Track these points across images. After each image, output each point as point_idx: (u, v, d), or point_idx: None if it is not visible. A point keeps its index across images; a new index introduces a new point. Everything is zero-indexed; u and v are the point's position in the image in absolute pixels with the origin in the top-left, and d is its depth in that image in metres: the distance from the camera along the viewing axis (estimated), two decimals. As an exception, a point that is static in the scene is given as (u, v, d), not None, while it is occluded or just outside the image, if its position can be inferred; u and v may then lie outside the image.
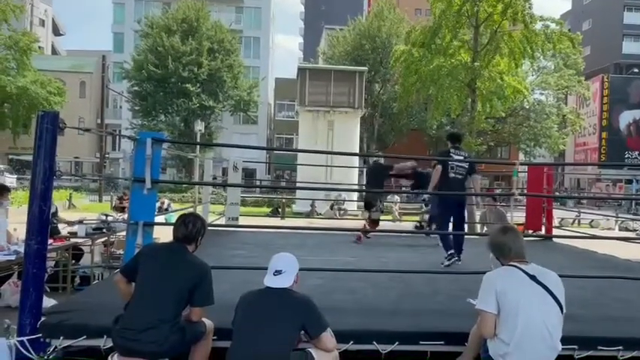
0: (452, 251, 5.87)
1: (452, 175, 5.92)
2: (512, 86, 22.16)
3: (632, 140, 42.23)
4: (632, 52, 47.04)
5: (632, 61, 45.96)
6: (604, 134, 42.66)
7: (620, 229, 17.63)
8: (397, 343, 3.29)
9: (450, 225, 6.22)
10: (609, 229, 17.97)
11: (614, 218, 17.61)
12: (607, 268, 6.25)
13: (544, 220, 8.76)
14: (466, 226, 8.48)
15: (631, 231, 15.85)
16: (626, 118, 42.65)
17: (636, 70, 44.06)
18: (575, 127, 37.76)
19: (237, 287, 3.72)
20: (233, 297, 3.07)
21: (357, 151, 25.47)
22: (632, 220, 16.31)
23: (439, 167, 5.97)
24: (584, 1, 52.50)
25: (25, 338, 3.16)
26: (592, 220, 18.87)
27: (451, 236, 6.08)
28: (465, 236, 6.52)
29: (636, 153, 41.87)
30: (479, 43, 22.59)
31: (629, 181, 38.48)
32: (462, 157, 5.99)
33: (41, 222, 3.30)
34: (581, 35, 26.89)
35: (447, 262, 5.84)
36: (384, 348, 3.27)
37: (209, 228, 3.58)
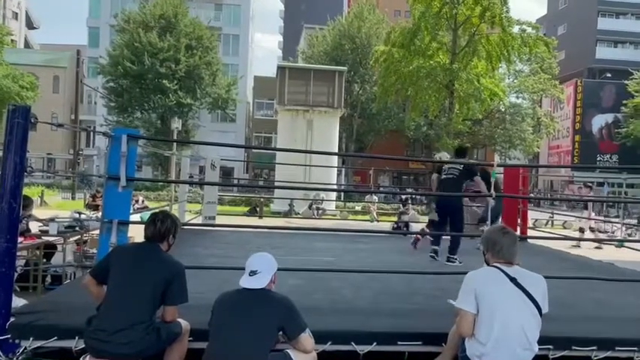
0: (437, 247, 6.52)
1: (443, 176, 6.58)
2: (489, 89, 22.46)
3: (604, 144, 43.16)
4: (605, 57, 48.03)
5: (605, 66, 46.95)
6: (577, 137, 43.53)
7: (591, 231, 17.93)
8: (375, 343, 3.28)
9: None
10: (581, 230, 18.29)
11: (586, 220, 17.92)
12: (580, 269, 6.36)
13: (519, 220, 8.87)
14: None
15: (602, 232, 16.16)
16: (598, 121, 43.57)
17: (609, 75, 45.03)
18: (549, 129, 38.48)
19: (214, 287, 3.67)
20: (210, 297, 3.02)
21: (336, 150, 25.47)
22: (604, 221, 16.65)
23: (435, 175, 6.84)
24: (559, 6, 53.45)
25: (-8, 339, 3.05)
26: (565, 222, 19.21)
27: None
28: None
29: (608, 156, 42.81)
30: (457, 46, 22.86)
31: (601, 184, 39.32)
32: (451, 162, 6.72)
33: (10, 219, 3.19)
34: (556, 40, 27.37)
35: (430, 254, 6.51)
36: (362, 349, 3.26)
37: (185, 227, 3.53)
